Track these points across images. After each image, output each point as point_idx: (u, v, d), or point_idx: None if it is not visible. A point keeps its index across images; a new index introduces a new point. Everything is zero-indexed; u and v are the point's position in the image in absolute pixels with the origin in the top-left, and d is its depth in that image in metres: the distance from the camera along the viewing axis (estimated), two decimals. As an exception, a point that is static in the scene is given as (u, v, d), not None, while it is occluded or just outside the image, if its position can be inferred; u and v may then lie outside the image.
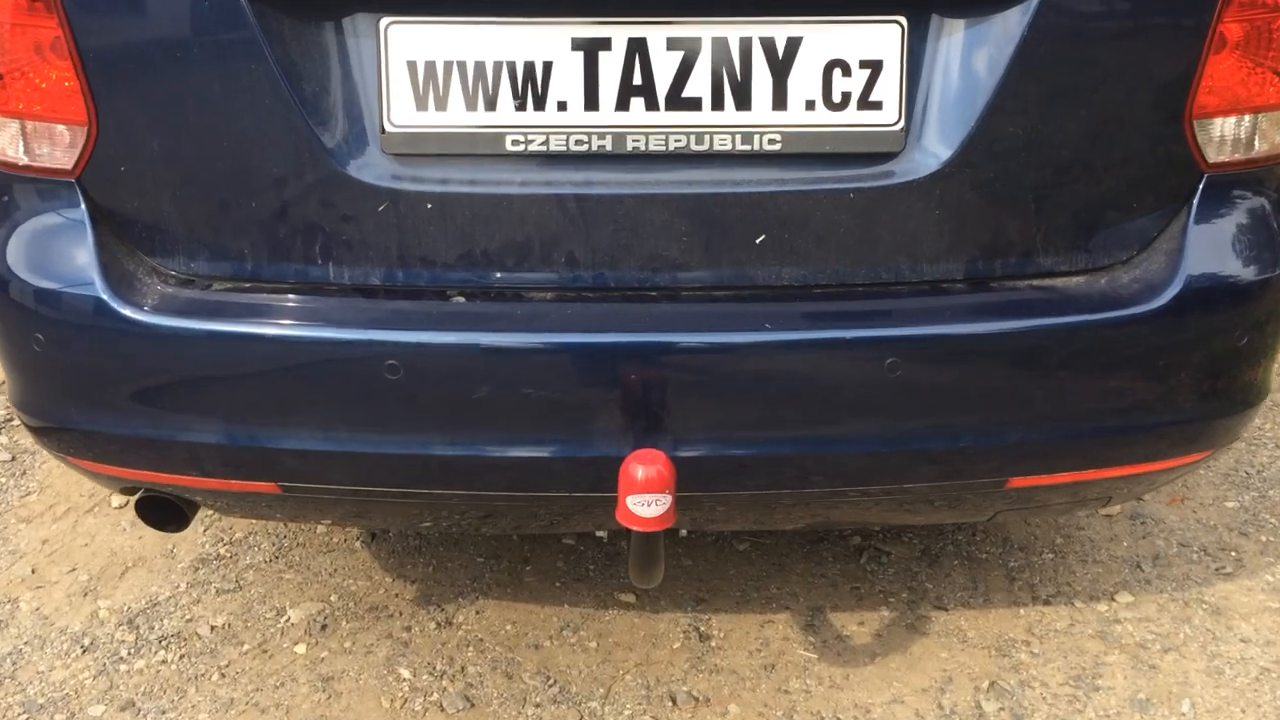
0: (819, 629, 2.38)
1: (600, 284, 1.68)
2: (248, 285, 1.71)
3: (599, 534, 2.04)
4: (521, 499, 1.79)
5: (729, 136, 1.62)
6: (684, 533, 2.06)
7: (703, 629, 2.38)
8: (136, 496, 1.91)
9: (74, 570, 2.57)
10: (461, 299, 1.69)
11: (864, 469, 1.76)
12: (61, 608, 2.45)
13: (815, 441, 1.71)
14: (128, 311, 1.68)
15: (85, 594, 2.50)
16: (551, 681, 2.23)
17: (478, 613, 2.43)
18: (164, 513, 1.93)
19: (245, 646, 2.34)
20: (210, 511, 2.74)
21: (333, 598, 2.47)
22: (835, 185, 1.64)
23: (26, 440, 3.08)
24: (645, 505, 1.54)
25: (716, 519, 1.94)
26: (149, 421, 1.74)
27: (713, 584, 2.52)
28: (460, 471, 1.73)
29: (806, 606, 2.45)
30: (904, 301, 1.70)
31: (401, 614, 2.43)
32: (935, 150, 1.63)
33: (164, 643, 2.35)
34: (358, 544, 2.65)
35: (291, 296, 1.70)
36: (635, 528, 1.57)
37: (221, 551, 2.63)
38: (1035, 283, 1.73)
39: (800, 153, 1.64)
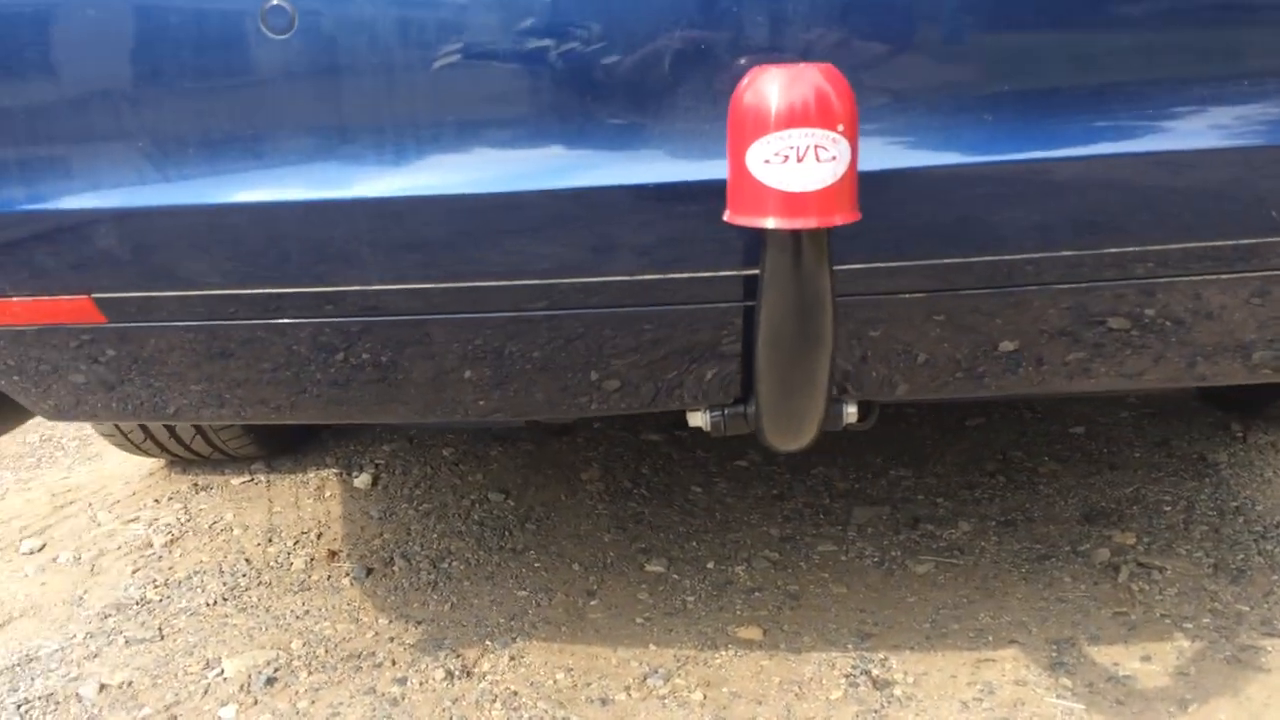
0: (1076, 669, 1.41)
1: None
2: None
3: (695, 420, 1.12)
4: (543, 303, 0.93)
5: None
6: (851, 410, 1.12)
7: (877, 672, 1.43)
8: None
9: (-64, 621, 1.74)
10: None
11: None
12: (-100, 666, 1.61)
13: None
14: None
15: (-65, 650, 1.65)
16: (628, 751, 1.30)
17: (512, 659, 1.52)
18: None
19: (144, 711, 1.46)
20: (160, 544, 1.92)
21: (294, 644, 1.59)
22: None
23: (-67, 480, 2.31)
24: (789, 160, 0.67)
25: (920, 351, 1.04)
26: None
27: (883, 614, 1.58)
28: (423, 239, 0.89)
29: (1045, 640, 1.49)
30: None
31: (395, 663, 1.53)
32: None
33: (23, 709, 1.48)
34: (345, 581, 1.78)
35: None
36: (767, 222, 0.70)
37: (149, 595, 1.78)
38: None
39: None
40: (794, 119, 0.70)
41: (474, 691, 1.46)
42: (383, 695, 1.47)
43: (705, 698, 1.42)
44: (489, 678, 1.49)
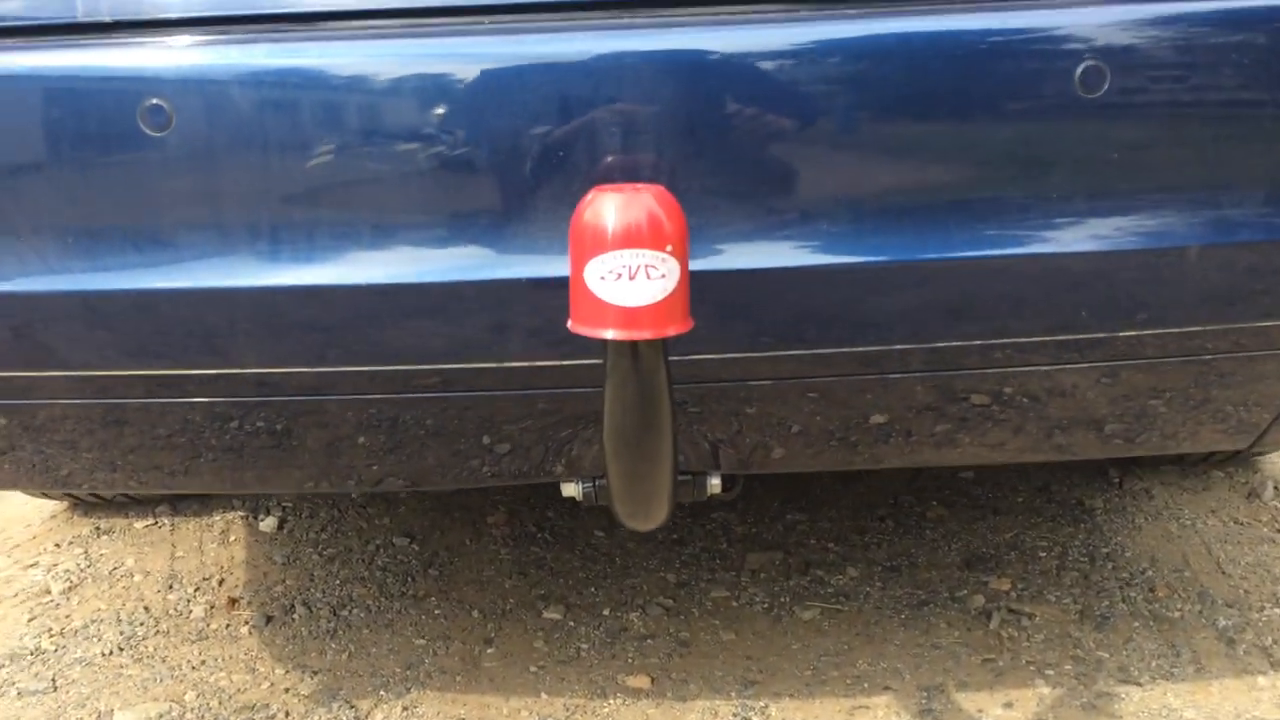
0: (941, 715, 1.49)
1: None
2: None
3: (568, 491, 1.18)
4: (413, 386, 0.98)
5: None
6: (715, 483, 1.19)
7: (756, 719, 1.49)
8: None
9: None
10: None
11: (1049, 293, 0.94)
12: None
13: (949, 228, 0.90)
14: None
15: None
16: (511, 802, 1.34)
17: (405, 710, 1.56)
18: None
19: (32, 766, 1.46)
20: (58, 591, 1.92)
21: (188, 696, 1.61)
22: None
23: None
24: (622, 277, 0.73)
25: (775, 439, 1.10)
26: None
27: (768, 661, 1.64)
28: (296, 327, 0.93)
29: (917, 686, 1.56)
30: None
31: (289, 715, 1.56)
32: None
33: (-90, 765, 1.48)
34: (244, 629, 1.80)
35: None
36: (605, 333, 0.76)
37: (44, 644, 1.78)
38: None
39: None
40: (627, 240, 0.76)
41: (365, 743, 1.49)
42: (274, 748, 1.49)
43: (590, 748, 1.46)
44: (381, 729, 1.52)
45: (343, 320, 0.93)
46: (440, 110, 0.87)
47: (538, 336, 0.92)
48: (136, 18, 0.89)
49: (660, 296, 0.76)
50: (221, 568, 1.99)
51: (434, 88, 0.86)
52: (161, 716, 1.57)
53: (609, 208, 0.76)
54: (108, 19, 0.89)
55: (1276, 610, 1.73)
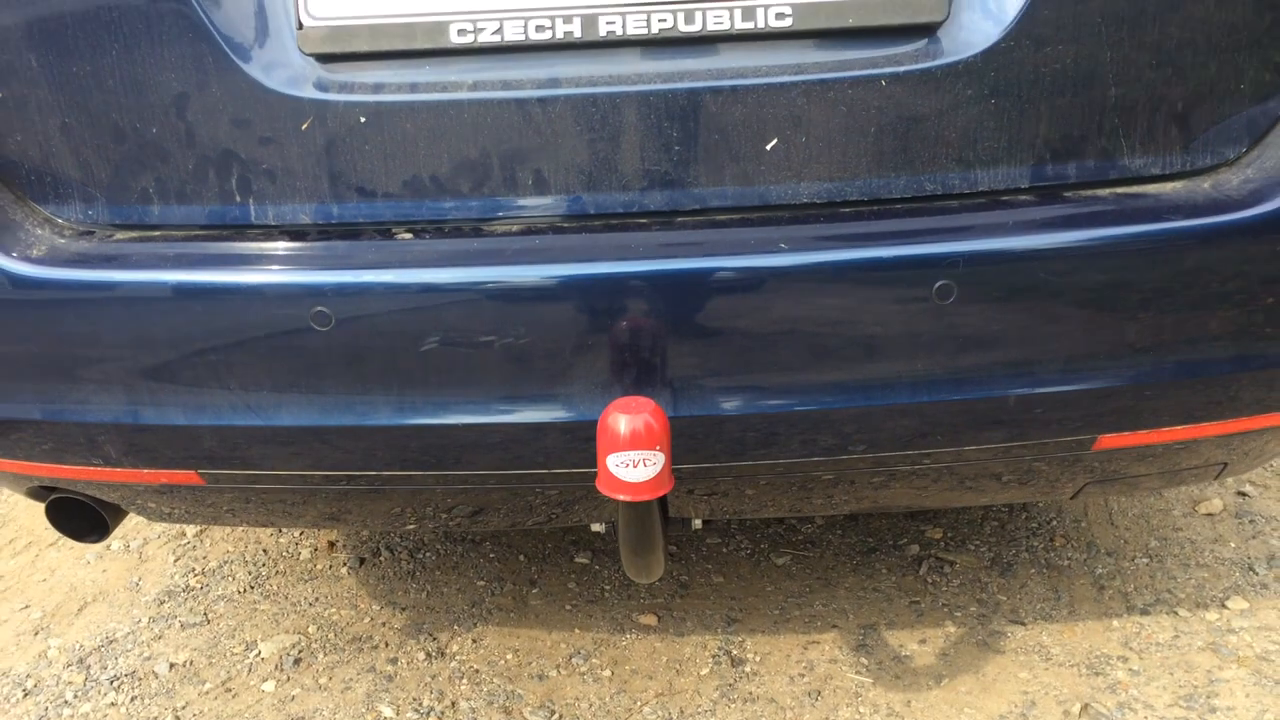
0: (873, 649, 2.01)
1: (576, 210, 1.37)
2: (155, 233, 1.42)
3: (595, 528, 1.70)
4: (492, 480, 1.46)
5: (726, 13, 1.31)
6: (698, 524, 1.71)
7: (735, 652, 2.02)
8: (46, 502, 1.61)
9: (26, 607, 2.28)
10: (408, 235, 1.38)
11: (914, 427, 1.41)
12: (8, 647, 2.15)
13: (848, 393, 1.37)
14: (15, 266, 1.39)
15: (36, 632, 2.20)
16: (557, 716, 1.88)
17: (474, 641, 2.09)
18: (80, 519, 1.62)
19: (206, 685, 2.01)
20: (190, 534, 2.45)
21: (311, 629, 2.15)
22: (863, 71, 1.32)
23: (-8, 471, 2.81)
24: (630, 466, 1.21)
25: (732, 502, 1.60)
26: (44, 400, 1.44)
27: (747, 602, 2.16)
28: (408, 448, 1.41)
29: (857, 624, 2.08)
30: (955, 217, 1.36)
31: (388, 645, 2.09)
32: (988, 18, 1.30)
33: (115, 683, 2.03)
34: (344, 570, 2.33)
35: (206, 243, 1.40)
36: (620, 496, 1.24)
37: (191, 583, 2.32)
38: (1120, 189, 1.39)
39: (817, 29, 1.32)
40: (631, 444, 1.21)
41: (447, 669, 2.03)
42: (381, 673, 2.03)
43: (613, 674, 2.00)
44: (458, 657, 2.06)
45: (451, 443, 1.39)
46: (504, 319, 1.32)
47: (577, 455, 1.40)
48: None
49: (652, 476, 1.22)
50: (318, 515, 2.52)
51: (496, 308, 1.32)
52: (294, 646, 2.11)
53: (620, 422, 1.22)
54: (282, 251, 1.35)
55: (1144, 560, 2.23)
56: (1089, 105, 1.35)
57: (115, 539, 2.48)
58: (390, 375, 1.36)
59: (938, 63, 1.32)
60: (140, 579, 2.35)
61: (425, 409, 1.38)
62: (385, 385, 1.37)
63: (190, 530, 2.49)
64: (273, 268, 1.36)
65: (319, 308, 1.33)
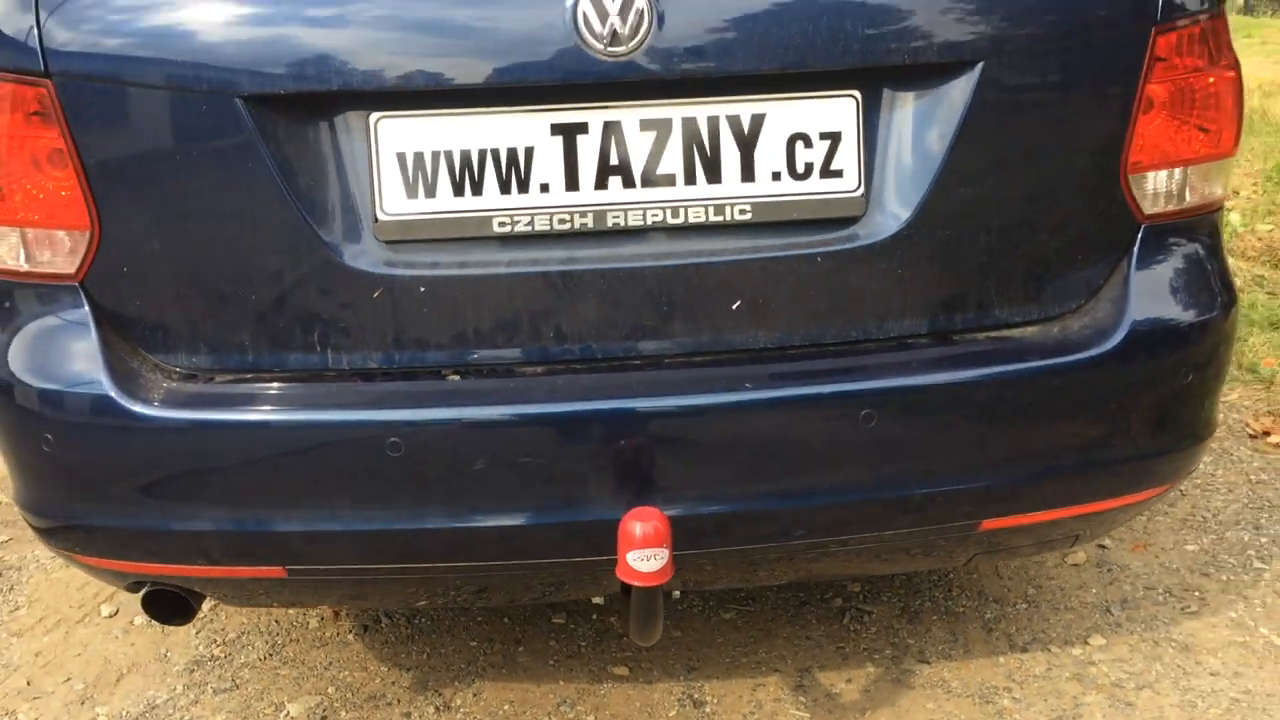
0: (809, 689, 2.43)
1: (587, 355, 1.79)
2: (249, 376, 1.79)
3: (596, 600, 2.10)
4: (520, 568, 1.86)
5: (702, 209, 1.75)
6: (676, 594, 2.13)
7: (696, 696, 2.43)
8: (141, 593, 1.95)
9: (69, 680, 2.58)
10: (456, 377, 1.78)
11: (844, 519, 1.85)
12: (60, 716, 2.45)
13: (797, 495, 1.80)
14: (135, 407, 1.75)
15: (83, 702, 2.50)
16: (553, 755, 2.27)
17: (475, 695, 2.46)
18: (170, 606, 1.97)
19: (245, 742, 2.35)
20: (208, 609, 2.77)
21: (330, 690, 2.50)
22: (804, 250, 1.77)
23: (11, 556, 3.09)
24: (645, 560, 1.62)
25: (707, 577, 2.02)
26: (157, 513, 1.80)
27: (703, 652, 2.57)
28: (460, 543, 1.80)
29: (795, 668, 2.51)
30: (874, 357, 1.82)
31: (400, 701, 2.45)
32: (895, 213, 1.76)
33: (163, 744, 2.35)
34: (350, 636, 2.68)
35: (292, 384, 1.78)
36: (637, 583, 1.65)
37: (216, 652, 2.65)
38: (993, 334, 1.86)
39: (769, 221, 1.77)
40: (644, 544, 1.63)
41: None
42: (398, 725, 2.40)
43: (595, 718, 2.39)
44: (462, 710, 2.43)
45: (487, 539, 1.79)
46: (534, 443, 1.74)
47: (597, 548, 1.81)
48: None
49: (659, 568, 1.64)
50: (321, 588, 2.86)
51: (529, 433, 1.74)
52: (319, 706, 2.46)
53: (635, 527, 1.63)
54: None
55: (1023, 605, 2.71)
56: (969, 273, 1.82)
57: (137, 614, 2.79)
58: (446, 488, 1.76)
59: (858, 244, 1.77)
60: (167, 651, 2.67)
61: (473, 515, 1.78)
62: (441, 497, 1.77)
63: (206, 605, 2.82)
64: (349, 408, 1.75)
65: (392, 438, 1.73)
